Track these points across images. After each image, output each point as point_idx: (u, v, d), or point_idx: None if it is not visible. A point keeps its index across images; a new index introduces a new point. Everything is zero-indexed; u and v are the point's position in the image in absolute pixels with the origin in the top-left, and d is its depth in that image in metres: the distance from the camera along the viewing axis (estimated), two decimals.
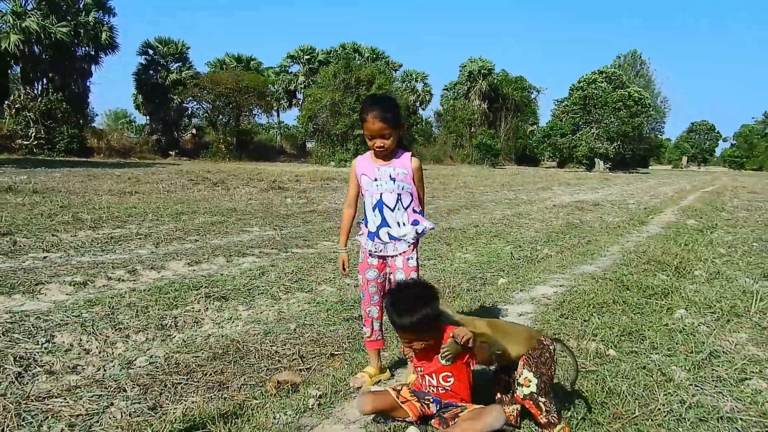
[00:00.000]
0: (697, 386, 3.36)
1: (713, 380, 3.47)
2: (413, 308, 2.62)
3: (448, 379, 2.75)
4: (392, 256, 3.30)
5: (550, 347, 2.86)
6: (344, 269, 3.43)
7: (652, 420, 2.91)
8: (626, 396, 3.15)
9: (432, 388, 2.79)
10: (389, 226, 3.24)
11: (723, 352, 3.94)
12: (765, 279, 6.20)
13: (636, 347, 3.98)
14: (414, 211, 3.31)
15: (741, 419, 2.96)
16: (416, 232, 3.29)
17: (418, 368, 2.83)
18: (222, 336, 4.11)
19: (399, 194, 3.23)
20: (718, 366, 3.69)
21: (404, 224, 3.26)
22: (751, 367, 3.68)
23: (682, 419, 2.94)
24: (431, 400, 2.74)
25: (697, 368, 3.62)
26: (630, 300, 5.11)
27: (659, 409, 3.03)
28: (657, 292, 5.40)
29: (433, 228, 3.43)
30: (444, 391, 2.76)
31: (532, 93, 65.15)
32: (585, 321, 4.55)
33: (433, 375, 2.77)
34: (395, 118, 3.18)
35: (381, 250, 3.27)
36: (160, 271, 5.87)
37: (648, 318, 4.65)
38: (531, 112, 65.84)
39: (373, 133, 3.14)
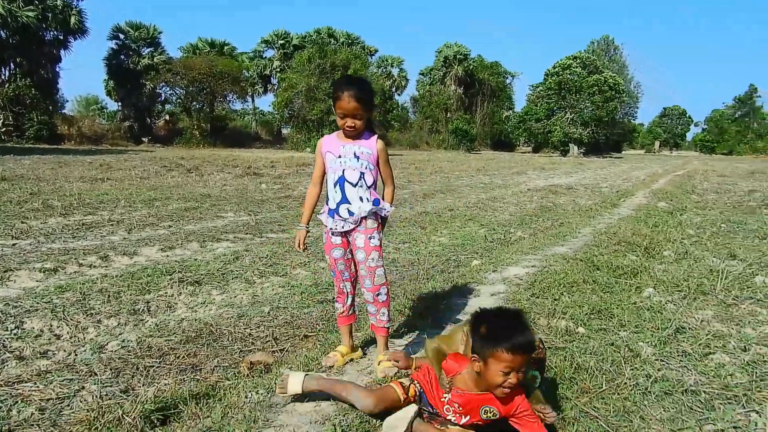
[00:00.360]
0: (662, 361, 3.46)
1: (678, 355, 3.57)
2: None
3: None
4: (351, 232, 3.30)
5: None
6: (299, 246, 3.41)
7: (618, 394, 2.98)
8: (594, 371, 3.23)
9: (450, 415, 2.53)
10: (349, 203, 3.23)
11: (689, 328, 4.05)
12: (731, 258, 6.35)
13: (605, 325, 4.06)
14: (375, 190, 3.33)
15: (704, 392, 3.05)
16: (381, 212, 3.31)
17: (453, 402, 2.51)
18: (195, 320, 4.10)
19: (362, 173, 3.23)
20: (684, 341, 3.79)
21: (366, 200, 3.25)
22: (715, 342, 3.78)
23: (647, 393, 3.02)
24: (431, 409, 2.59)
25: (663, 344, 3.72)
26: (600, 279, 5.20)
27: (626, 383, 3.11)
28: (626, 271, 5.50)
29: (391, 211, 3.41)
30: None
31: (507, 78, 65.42)
32: (555, 300, 4.64)
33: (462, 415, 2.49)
34: (370, 101, 3.21)
35: (342, 227, 3.27)
36: (132, 257, 5.82)
37: (617, 296, 4.74)
38: (506, 97, 66.17)
39: (346, 111, 3.14)
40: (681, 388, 3.07)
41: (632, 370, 3.27)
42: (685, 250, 6.65)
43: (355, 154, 3.22)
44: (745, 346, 3.73)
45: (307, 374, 2.83)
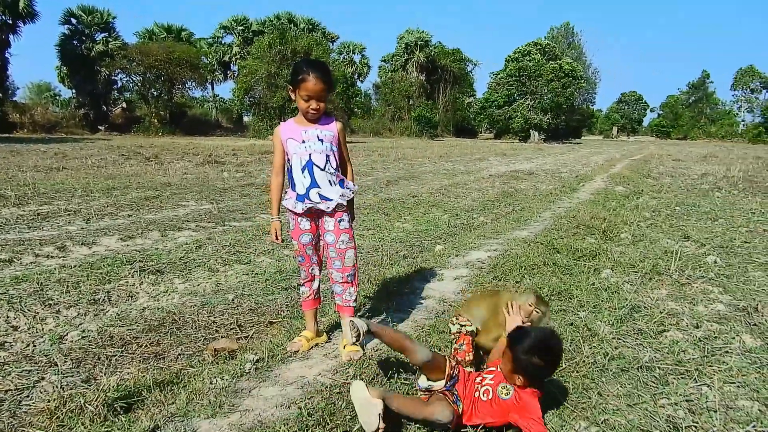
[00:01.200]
0: (619, 339, 3.57)
1: (634, 333, 3.69)
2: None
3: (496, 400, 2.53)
4: (321, 218, 3.33)
5: None
6: (277, 237, 3.41)
7: (577, 372, 3.07)
8: None
9: (477, 386, 2.60)
10: (319, 186, 3.25)
11: (644, 307, 4.18)
12: (685, 240, 6.55)
13: (564, 305, 4.17)
14: (340, 173, 3.35)
15: (659, 368, 3.16)
16: (346, 195, 3.33)
17: (489, 370, 2.66)
18: (158, 309, 4.06)
19: (327, 155, 3.25)
20: (640, 320, 3.91)
21: (334, 183, 3.29)
22: (669, 320, 3.92)
23: (605, 370, 3.12)
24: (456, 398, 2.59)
25: (620, 323, 3.83)
26: (560, 262, 5.32)
27: (584, 361, 3.20)
28: (585, 254, 5.64)
29: (355, 190, 3.45)
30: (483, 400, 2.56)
31: (468, 66, 65.66)
32: (517, 282, 4.73)
33: (489, 389, 2.56)
34: (332, 84, 3.26)
35: (311, 209, 3.29)
36: (91, 246, 5.70)
37: (576, 278, 4.86)
38: (468, 84, 66.46)
39: (311, 93, 3.13)
40: (637, 365, 3.18)
41: (590, 348, 3.37)
42: (641, 233, 6.84)
43: (318, 137, 3.23)
44: (697, 323, 3.87)
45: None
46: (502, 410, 2.46)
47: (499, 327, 2.91)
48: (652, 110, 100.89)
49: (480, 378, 2.62)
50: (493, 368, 2.63)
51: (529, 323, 2.86)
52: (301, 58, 34.33)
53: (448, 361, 2.65)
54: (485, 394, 2.52)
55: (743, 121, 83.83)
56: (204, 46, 51.38)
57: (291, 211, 3.34)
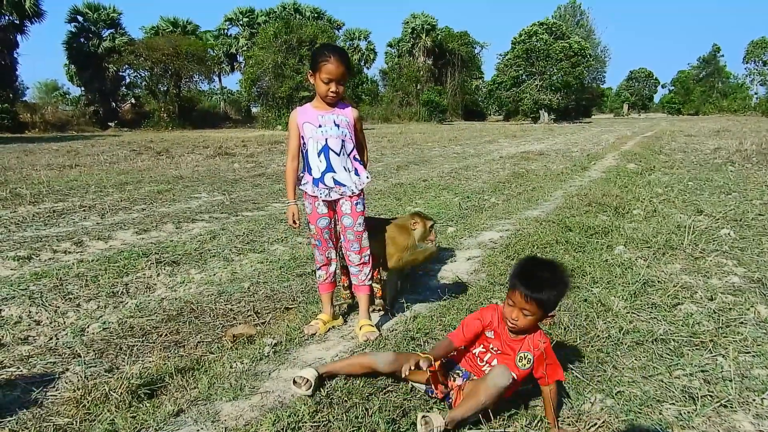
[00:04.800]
0: (633, 313, 3.59)
1: (648, 307, 3.71)
2: (553, 284, 2.39)
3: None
4: (337, 201, 3.37)
5: None
6: (294, 222, 3.45)
7: (592, 346, 3.10)
8: (569, 326, 3.34)
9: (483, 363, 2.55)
10: (335, 171, 3.30)
11: (658, 281, 4.19)
12: (698, 214, 6.53)
13: (578, 282, 4.18)
14: (355, 158, 3.39)
15: (673, 340, 3.19)
16: (361, 183, 3.38)
17: (491, 346, 2.54)
18: (175, 299, 4.12)
19: (343, 140, 3.30)
20: (653, 294, 3.93)
21: (349, 170, 3.34)
22: (683, 293, 3.94)
23: (620, 344, 3.15)
24: (461, 373, 2.58)
25: (633, 297, 3.85)
26: (572, 240, 5.33)
27: (599, 336, 3.23)
28: (598, 231, 5.64)
29: (369, 179, 3.49)
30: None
31: (476, 48, 65.14)
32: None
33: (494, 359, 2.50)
34: (352, 67, 3.37)
35: (326, 195, 3.32)
36: (107, 241, 5.78)
37: (589, 255, 4.87)
38: (476, 67, 65.97)
39: (333, 76, 3.18)
40: (651, 338, 3.20)
41: (605, 323, 3.40)
42: (653, 209, 6.82)
43: (334, 122, 3.28)
44: (711, 296, 3.88)
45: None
46: (523, 378, 2.43)
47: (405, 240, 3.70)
48: (663, 86, 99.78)
49: (483, 354, 2.55)
50: (491, 343, 2.53)
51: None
52: (308, 47, 34.35)
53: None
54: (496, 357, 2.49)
55: (756, 94, 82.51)
56: (210, 38, 51.36)
57: (309, 195, 3.38)
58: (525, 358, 2.41)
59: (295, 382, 2.64)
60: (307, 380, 2.62)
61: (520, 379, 2.41)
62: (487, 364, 2.51)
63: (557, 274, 2.42)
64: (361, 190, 3.43)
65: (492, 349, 2.53)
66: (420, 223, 3.74)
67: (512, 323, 2.42)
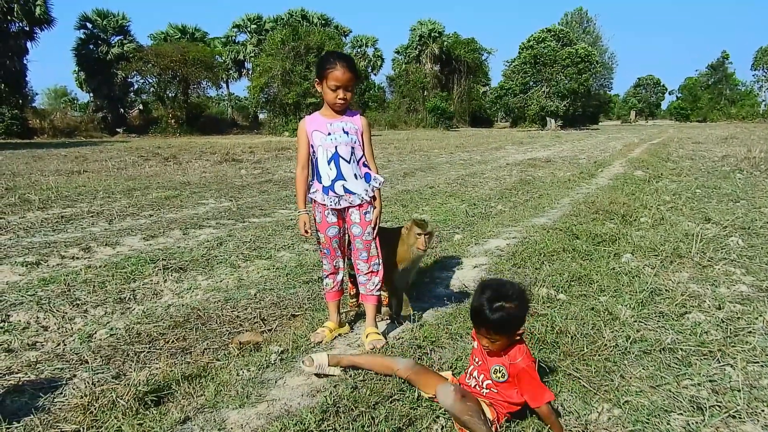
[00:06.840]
0: (641, 322, 3.57)
1: (656, 316, 3.68)
2: (509, 312, 2.35)
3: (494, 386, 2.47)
4: (347, 209, 3.37)
5: None
6: (306, 231, 3.43)
7: (599, 355, 3.08)
8: (575, 335, 3.32)
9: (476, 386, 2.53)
10: (345, 179, 3.30)
11: (665, 290, 4.17)
12: (706, 222, 6.50)
13: (585, 291, 4.17)
14: (364, 164, 3.40)
15: (681, 349, 3.16)
16: (372, 189, 3.38)
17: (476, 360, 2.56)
18: (182, 305, 4.13)
19: (353, 147, 3.31)
20: (661, 303, 3.91)
21: (359, 177, 3.34)
22: (690, 302, 3.91)
23: (627, 353, 3.13)
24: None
25: (641, 306, 3.83)
26: (579, 247, 5.31)
27: (606, 345, 3.21)
28: (605, 239, 5.62)
29: (383, 181, 3.51)
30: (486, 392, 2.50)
31: (483, 54, 65.18)
32: (536, 269, 4.73)
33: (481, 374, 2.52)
34: (359, 74, 3.37)
35: (336, 204, 3.33)
36: (115, 247, 5.80)
37: (596, 263, 4.85)
38: (483, 73, 66.00)
39: (341, 83, 3.18)
40: (659, 347, 3.18)
41: (612, 332, 3.37)
42: (661, 216, 6.79)
43: (343, 129, 3.28)
44: (719, 305, 3.85)
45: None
46: (509, 391, 2.42)
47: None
48: (670, 93, 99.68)
49: (472, 376, 2.56)
50: (475, 355, 2.57)
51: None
52: (315, 54, 34.48)
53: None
54: (488, 388, 2.48)
55: (764, 101, 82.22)
56: (218, 45, 51.73)
57: (318, 203, 3.38)
58: (499, 372, 2.42)
59: (303, 362, 2.85)
60: (313, 360, 2.83)
61: (504, 391, 2.42)
62: (471, 376, 2.56)
63: (510, 298, 2.36)
64: (372, 197, 3.42)
65: (475, 360, 2.56)
66: (411, 229, 3.68)
67: (486, 348, 2.45)
